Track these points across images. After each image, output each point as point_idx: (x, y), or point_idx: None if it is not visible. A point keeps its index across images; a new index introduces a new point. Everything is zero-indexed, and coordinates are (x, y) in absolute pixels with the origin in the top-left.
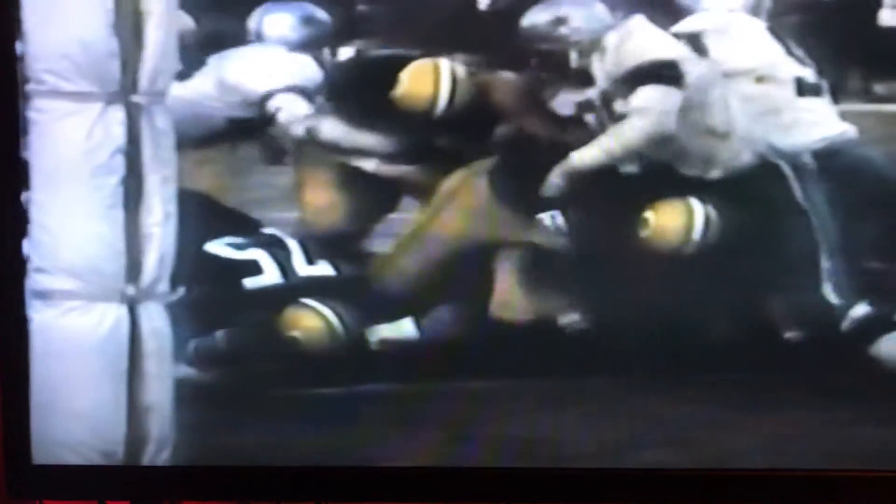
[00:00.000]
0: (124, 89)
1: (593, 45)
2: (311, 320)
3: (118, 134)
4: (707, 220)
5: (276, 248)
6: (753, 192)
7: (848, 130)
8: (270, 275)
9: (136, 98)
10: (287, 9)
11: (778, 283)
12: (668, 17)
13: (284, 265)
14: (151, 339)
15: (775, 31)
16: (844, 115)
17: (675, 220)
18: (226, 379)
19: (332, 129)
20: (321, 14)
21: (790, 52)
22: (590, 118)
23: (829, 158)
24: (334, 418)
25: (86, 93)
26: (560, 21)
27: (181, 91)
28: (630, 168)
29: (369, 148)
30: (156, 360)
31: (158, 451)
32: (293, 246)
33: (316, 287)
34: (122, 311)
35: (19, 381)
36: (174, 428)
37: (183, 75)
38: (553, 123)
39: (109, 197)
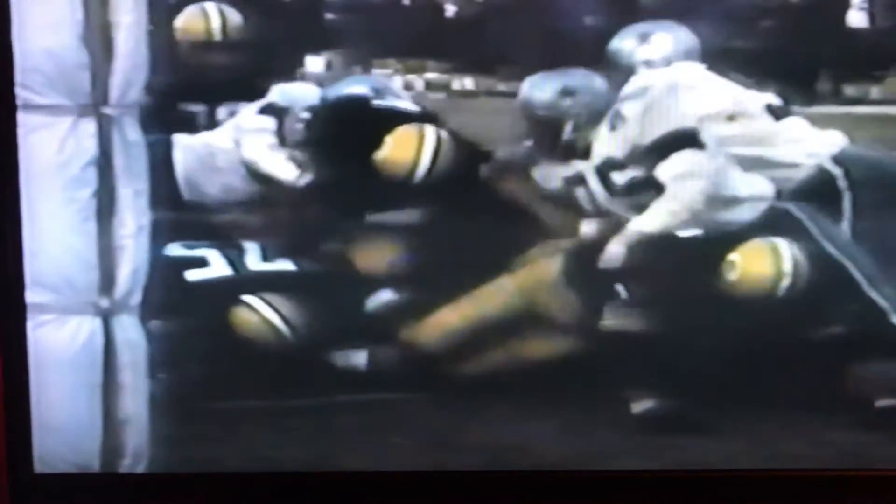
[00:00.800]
0: (95, 101)
1: (596, 118)
2: None
3: (90, 146)
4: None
5: None
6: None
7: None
8: None
9: (107, 110)
10: None
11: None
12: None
13: None
14: (126, 351)
15: (716, 68)
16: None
17: (762, 263)
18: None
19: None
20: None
21: (743, 84)
22: (578, 192)
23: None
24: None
25: (57, 105)
26: (567, 92)
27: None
28: (690, 228)
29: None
30: (130, 372)
31: (135, 464)
32: None
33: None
34: (96, 324)
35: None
36: (150, 440)
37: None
38: (538, 198)
39: (82, 210)
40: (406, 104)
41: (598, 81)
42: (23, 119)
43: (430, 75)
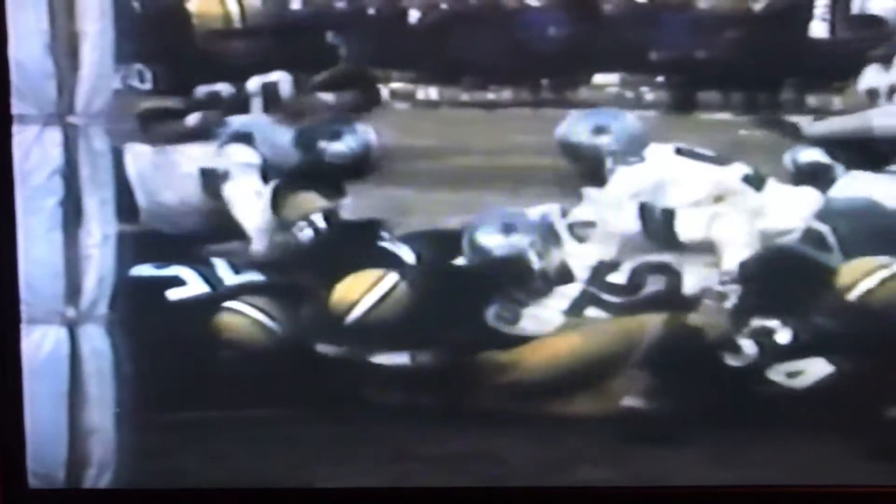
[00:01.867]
0: (61, 111)
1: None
2: None
3: (55, 155)
4: None
5: None
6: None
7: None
8: None
9: (73, 119)
10: None
11: None
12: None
13: None
14: (92, 361)
15: (684, 149)
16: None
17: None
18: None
19: None
20: None
21: (714, 160)
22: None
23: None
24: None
25: (22, 115)
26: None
27: None
28: None
29: None
30: (97, 382)
31: (99, 475)
32: None
33: None
34: (62, 333)
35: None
36: (116, 450)
37: None
38: None
39: (48, 219)
40: None
41: (629, 118)
42: None
43: (395, 85)
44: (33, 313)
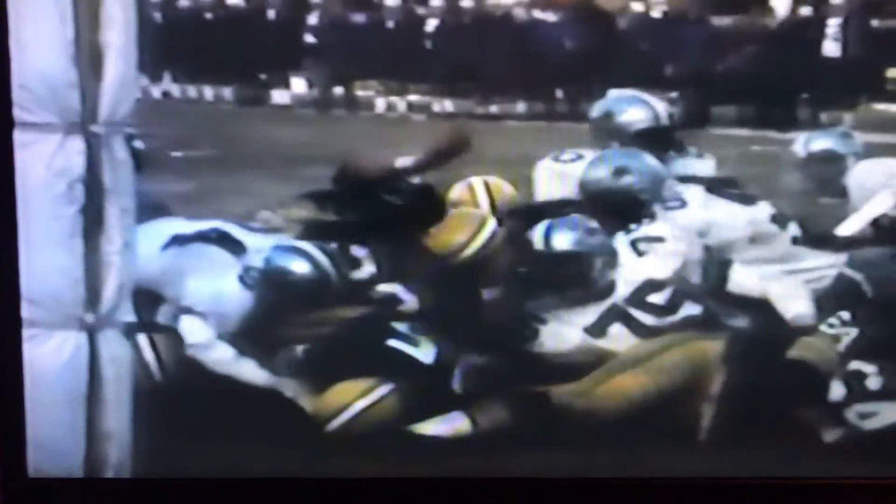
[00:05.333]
0: (84, 120)
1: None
2: None
3: (78, 164)
4: None
5: None
6: None
7: None
8: None
9: (95, 128)
10: None
11: None
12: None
13: None
14: (110, 366)
15: (715, 188)
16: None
17: None
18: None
19: None
20: None
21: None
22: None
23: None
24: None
25: (45, 123)
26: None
27: None
28: None
29: None
30: (114, 386)
31: (117, 476)
32: None
33: None
34: (81, 339)
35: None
36: (133, 451)
37: None
38: None
39: (69, 226)
40: None
41: (648, 159)
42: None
43: (413, 97)
44: (53, 319)
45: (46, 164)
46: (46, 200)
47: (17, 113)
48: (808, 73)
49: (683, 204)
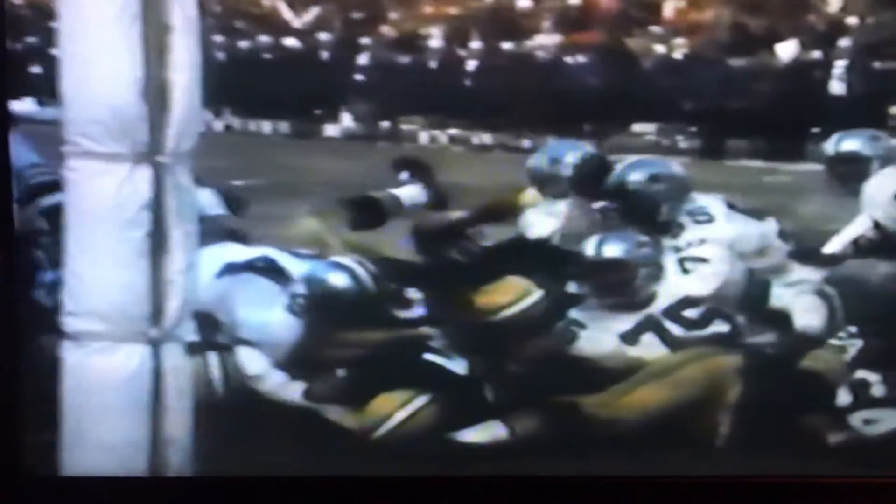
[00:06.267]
0: (151, 150)
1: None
2: None
3: (145, 191)
4: None
5: None
6: None
7: None
8: None
9: (162, 158)
10: None
11: None
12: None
13: None
14: (172, 377)
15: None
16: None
17: None
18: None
19: None
20: None
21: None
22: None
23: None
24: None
25: (116, 154)
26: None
27: None
28: None
29: None
30: (176, 396)
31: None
32: None
33: None
34: (145, 352)
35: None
36: (192, 458)
37: None
38: None
39: (136, 247)
40: None
41: (676, 168)
42: (85, 165)
43: (453, 131)
44: (120, 333)
45: (116, 191)
46: (116, 224)
47: (90, 144)
48: (815, 110)
49: (711, 219)
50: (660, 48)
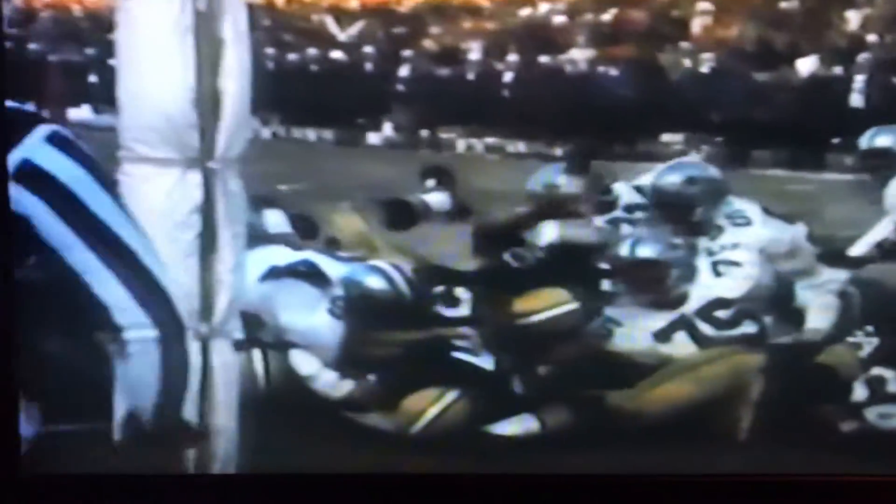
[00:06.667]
0: (202, 156)
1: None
2: None
3: (195, 195)
4: None
5: None
6: None
7: None
8: None
9: (212, 164)
10: None
11: None
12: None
13: None
14: (221, 371)
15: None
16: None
17: None
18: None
19: None
20: None
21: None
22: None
23: None
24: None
25: (168, 159)
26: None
27: None
28: None
29: None
30: (224, 389)
31: (225, 467)
32: None
33: None
34: (195, 346)
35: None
36: (239, 446)
37: None
38: None
39: (186, 248)
40: None
41: (713, 171)
42: (137, 170)
43: (489, 139)
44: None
45: (168, 195)
46: (167, 226)
47: (143, 150)
48: (836, 122)
49: (749, 221)
50: (687, 62)
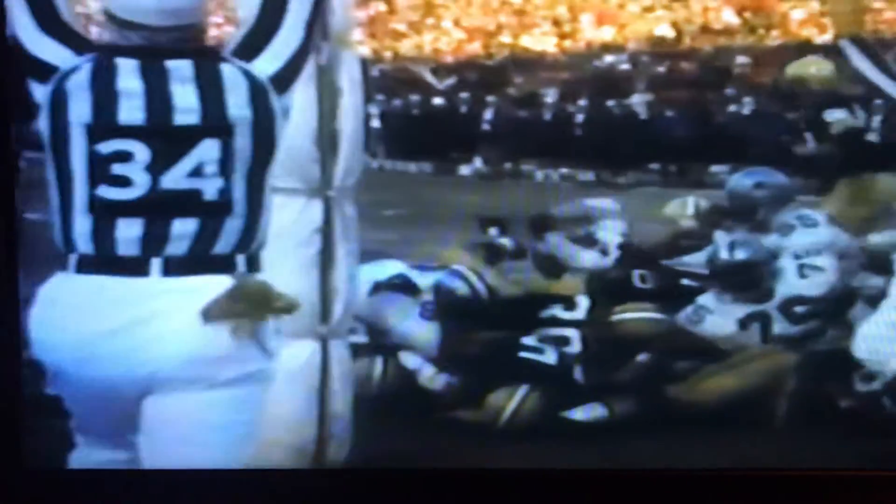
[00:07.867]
0: (322, 186)
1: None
2: None
3: (317, 219)
4: None
5: None
6: None
7: None
8: None
9: (330, 192)
10: None
11: None
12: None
13: None
14: (337, 366)
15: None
16: None
17: None
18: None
19: None
20: None
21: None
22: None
23: None
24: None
25: (294, 188)
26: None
27: None
28: None
29: None
30: (340, 381)
31: (339, 450)
32: None
33: None
34: (315, 346)
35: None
36: (353, 432)
37: None
38: None
39: (308, 262)
40: None
41: (780, 177)
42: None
43: (563, 170)
44: (295, 330)
45: (294, 219)
46: (293, 244)
47: (275, 181)
48: (857, 156)
49: (816, 223)
50: (732, 106)
